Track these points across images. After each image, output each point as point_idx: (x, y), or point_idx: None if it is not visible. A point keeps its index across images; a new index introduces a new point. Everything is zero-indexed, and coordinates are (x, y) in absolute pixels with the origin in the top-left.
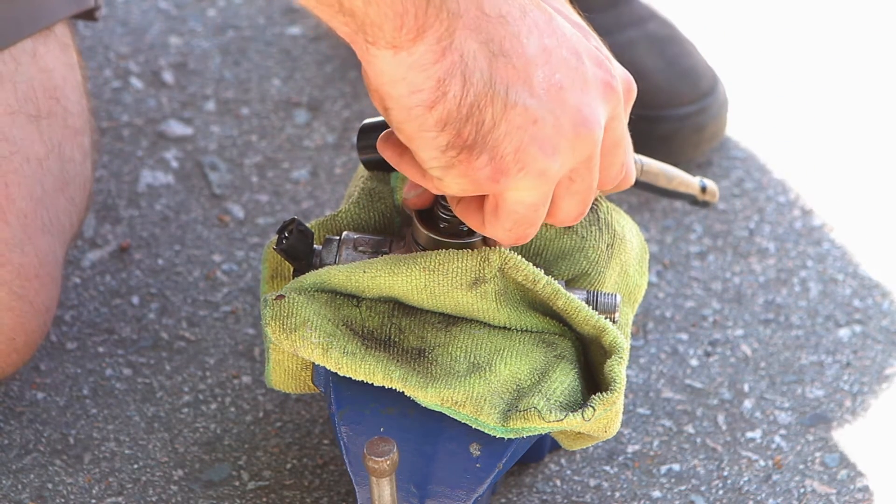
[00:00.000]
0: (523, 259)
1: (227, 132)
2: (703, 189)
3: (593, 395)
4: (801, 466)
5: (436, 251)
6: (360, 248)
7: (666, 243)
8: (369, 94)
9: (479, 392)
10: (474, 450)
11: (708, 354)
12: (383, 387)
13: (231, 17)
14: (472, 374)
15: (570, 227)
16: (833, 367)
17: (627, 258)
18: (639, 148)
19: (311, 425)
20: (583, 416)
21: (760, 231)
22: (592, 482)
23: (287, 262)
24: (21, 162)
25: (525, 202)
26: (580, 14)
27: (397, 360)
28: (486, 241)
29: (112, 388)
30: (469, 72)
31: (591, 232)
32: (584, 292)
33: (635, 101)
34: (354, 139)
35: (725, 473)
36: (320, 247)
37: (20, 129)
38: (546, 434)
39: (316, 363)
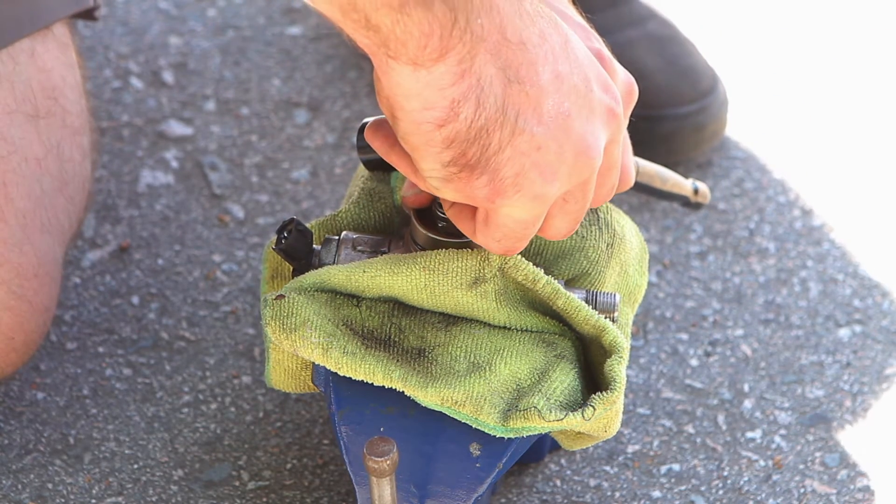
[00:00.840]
0: (523, 259)
1: (227, 132)
2: (696, 191)
3: (593, 395)
4: (801, 466)
5: (436, 251)
6: (359, 248)
7: (666, 243)
8: (378, 100)
9: (479, 392)
10: (474, 450)
11: (708, 354)
12: (383, 387)
13: (231, 17)
14: (472, 374)
15: None
16: (833, 367)
17: (627, 258)
18: (639, 147)
19: (311, 425)
20: (583, 416)
21: (760, 231)
22: (592, 482)
23: (287, 262)
24: (19, 161)
25: (516, 218)
26: (582, 15)
27: (397, 360)
28: None
29: (112, 388)
30: (484, 96)
31: (591, 231)
32: (584, 292)
33: (636, 103)
34: (354, 139)
35: (725, 473)
36: (319, 247)
37: (18, 129)
38: (546, 434)
39: (316, 363)
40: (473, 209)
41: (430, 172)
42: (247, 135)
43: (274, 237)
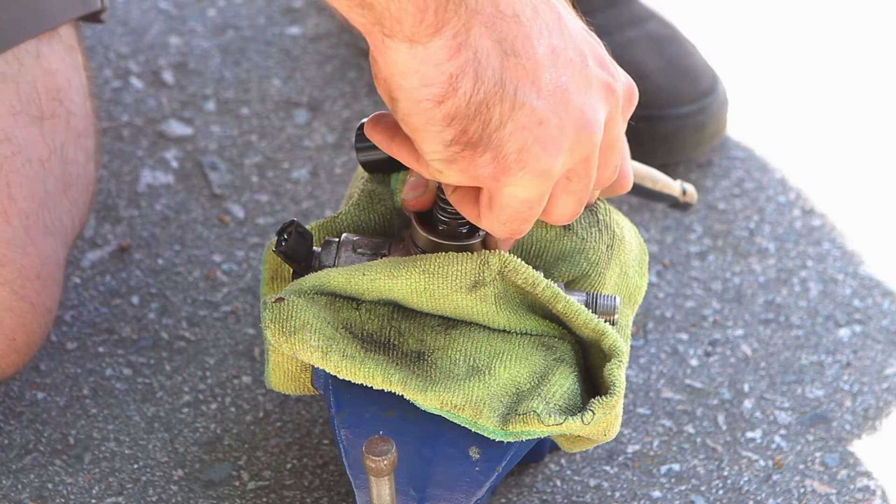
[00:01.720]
0: (523, 262)
1: (227, 132)
2: (684, 192)
3: (593, 399)
4: (801, 466)
5: (435, 254)
6: (359, 251)
7: (666, 243)
8: (376, 84)
9: (479, 395)
10: (473, 453)
11: (708, 354)
12: (383, 390)
13: (231, 17)
14: (472, 378)
15: (569, 229)
16: (833, 367)
17: (627, 259)
18: (639, 148)
19: (311, 425)
20: (582, 420)
21: (760, 231)
22: (592, 482)
23: (287, 264)
24: (23, 163)
25: (521, 198)
26: (581, 18)
27: (396, 364)
28: (486, 244)
29: (112, 388)
30: (481, 69)
31: (591, 233)
32: (584, 294)
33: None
34: (353, 140)
35: (725, 473)
36: (319, 249)
37: (23, 130)
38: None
39: (315, 366)
40: (477, 193)
41: (432, 155)
42: (247, 135)
43: (274, 239)
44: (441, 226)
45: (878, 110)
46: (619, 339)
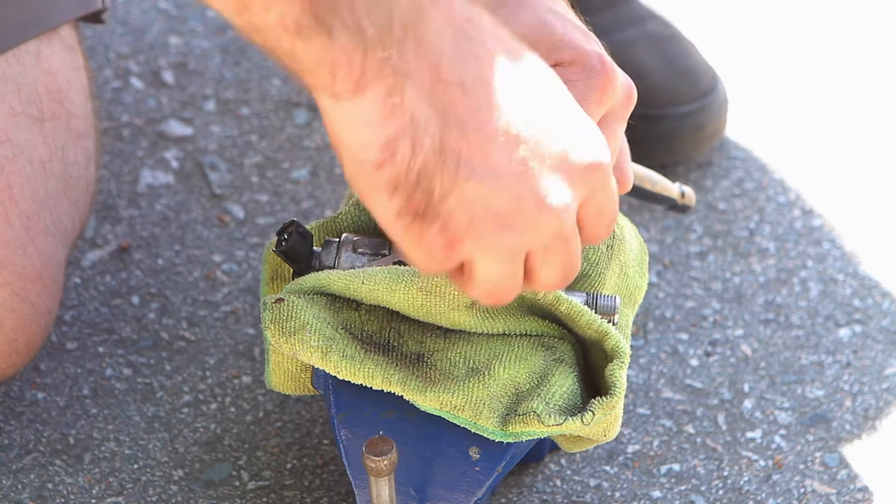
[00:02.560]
0: None
1: (227, 132)
2: (682, 194)
3: (593, 400)
4: (801, 466)
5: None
6: (360, 251)
7: (666, 243)
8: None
9: (478, 396)
10: (473, 453)
11: (708, 354)
12: (382, 390)
13: None
14: (471, 379)
15: None
16: (833, 367)
17: (627, 259)
18: (638, 148)
19: (311, 425)
20: (582, 421)
21: (760, 231)
22: (592, 482)
23: (287, 264)
24: (24, 163)
25: (492, 278)
26: (581, 18)
27: (396, 365)
28: None
29: (112, 388)
30: (419, 136)
31: None
32: (584, 295)
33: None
34: None
35: (725, 473)
36: (320, 249)
37: (23, 131)
38: None
39: (315, 366)
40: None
41: (387, 227)
42: (247, 135)
43: (274, 239)
44: None
45: (877, 110)
46: (621, 339)
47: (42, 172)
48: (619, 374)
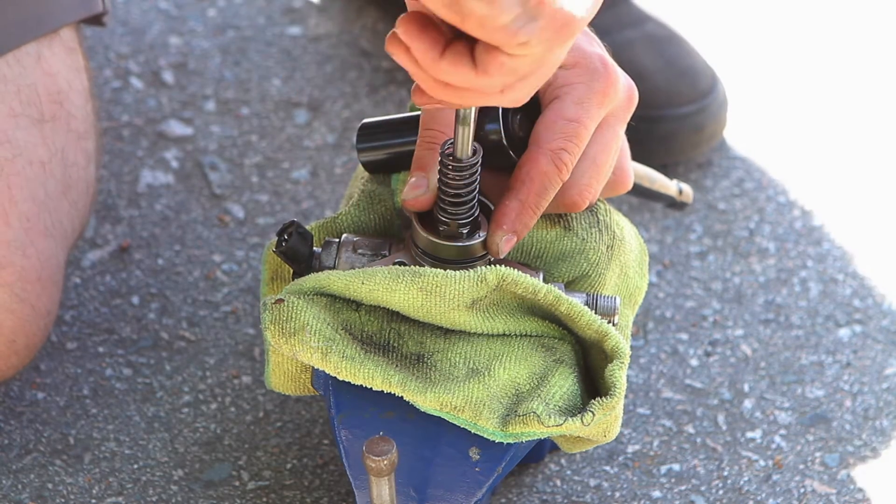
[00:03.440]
0: (520, 272)
1: (227, 132)
2: (680, 191)
3: (593, 400)
4: (801, 466)
5: (433, 271)
6: (360, 251)
7: (666, 243)
8: None
9: (478, 397)
10: (473, 454)
11: (708, 354)
12: (382, 391)
13: (231, 17)
14: (471, 379)
15: (570, 229)
16: (833, 367)
17: (627, 260)
18: (638, 148)
19: (311, 425)
20: (582, 421)
21: (760, 231)
22: (592, 482)
23: (287, 265)
24: (24, 165)
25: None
26: None
27: (396, 365)
28: (486, 245)
29: (112, 388)
30: None
31: (591, 234)
32: (584, 295)
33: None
34: (354, 139)
35: (725, 473)
36: (320, 249)
37: (23, 133)
38: None
39: (315, 367)
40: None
41: None
42: (247, 135)
43: (274, 239)
44: (441, 227)
45: (877, 110)
46: (621, 340)
47: (42, 174)
48: (619, 374)
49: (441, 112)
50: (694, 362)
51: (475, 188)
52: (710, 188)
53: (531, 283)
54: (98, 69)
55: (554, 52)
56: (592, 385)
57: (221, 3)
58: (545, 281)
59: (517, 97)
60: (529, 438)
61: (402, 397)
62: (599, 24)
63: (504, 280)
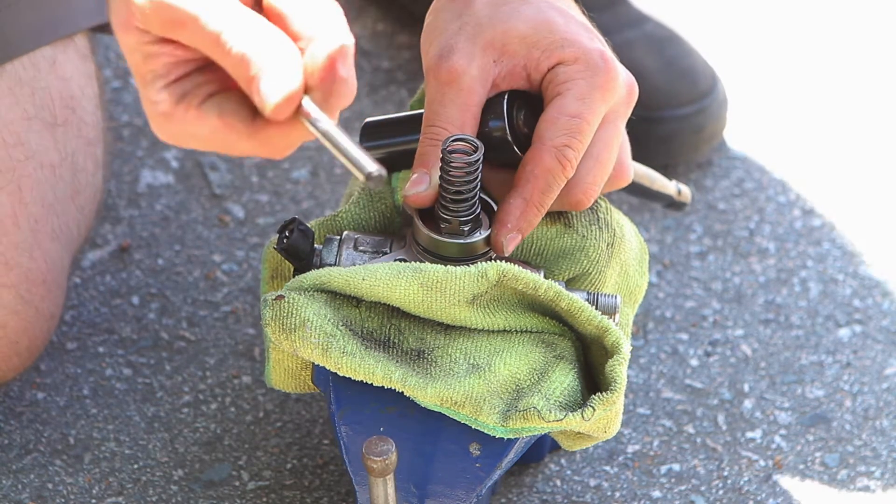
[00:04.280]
0: (521, 268)
1: None
2: (679, 192)
3: (593, 395)
4: (801, 466)
5: (434, 267)
6: (361, 248)
7: (666, 243)
8: None
9: (479, 392)
10: (474, 450)
11: (708, 354)
12: (383, 387)
13: None
14: (472, 375)
15: (570, 226)
16: (833, 367)
17: (627, 258)
18: (637, 149)
19: (311, 425)
20: (582, 416)
21: (760, 231)
22: (592, 482)
23: (287, 262)
24: (35, 167)
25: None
26: (585, 13)
27: (397, 361)
28: (491, 243)
29: (112, 388)
30: None
31: (592, 231)
32: (585, 293)
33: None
34: (357, 138)
35: (725, 473)
36: (321, 246)
37: (36, 136)
38: (546, 434)
39: (316, 363)
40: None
41: None
42: None
43: (274, 237)
44: (443, 224)
45: (877, 110)
46: (621, 335)
47: (52, 177)
48: (620, 370)
49: (445, 109)
50: (694, 362)
51: (477, 185)
52: (710, 188)
53: (532, 279)
54: (98, 69)
55: None
56: (593, 381)
57: None
58: (545, 278)
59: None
60: (530, 434)
61: (402, 393)
62: (599, 25)
63: (505, 276)
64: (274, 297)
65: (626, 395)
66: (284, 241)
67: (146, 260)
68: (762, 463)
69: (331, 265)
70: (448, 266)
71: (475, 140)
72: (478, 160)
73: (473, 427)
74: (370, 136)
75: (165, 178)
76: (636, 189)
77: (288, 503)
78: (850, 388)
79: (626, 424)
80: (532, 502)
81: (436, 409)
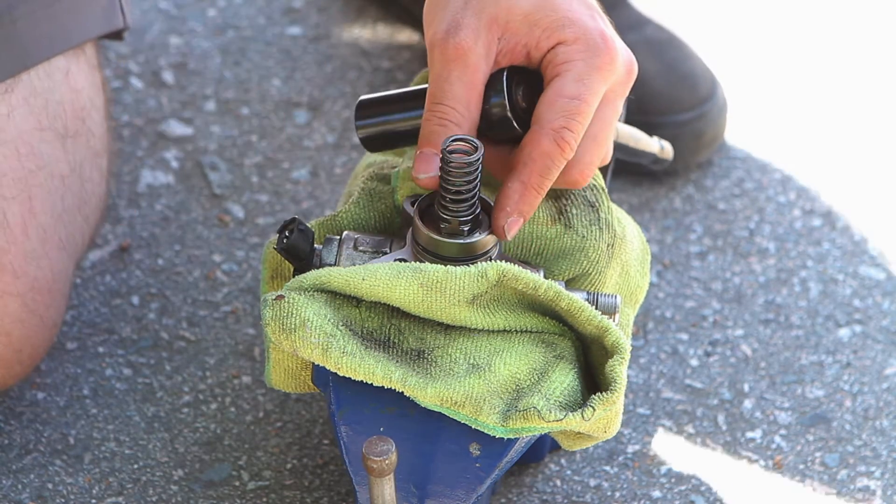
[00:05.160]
0: (521, 268)
1: (227, 132)
2: (661, 148)
3: (593, 395)
4: (801, 466)
5: (434, 267)
6: (361, 248)
7: (666, 243)
8: None
9: (479, 392)
10: (474, 450)
11: (708, 354)
12: (383, 387)
13: (231, 17)
14: (472, 375)
15: (570, 227)
16: (833, 367)
17: (628, 258)
18: None
19: (311, 425)
20: (582, 416)
21: (760, 231)
22: (592, 482)
23: (287, 262)
24: (46, 177)
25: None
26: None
27: (397, 361)
28: (493, 227)
29: (112, 388)
30: None
31: (592, 231)
32: (585, 293)
33: (634, 107)
34: (354, 121)
35: (725, 474)
36: (321, 246)
37: (48, 146)
38: (546, 434)
39: (316, 363)
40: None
41: None
42: (247, 135)
43: (274, 237)
44: (443, 224)
45: (877, 110)
46: (621, 335)
47: (61, 187)
48: (620, 369)
49: (452, 87)
50: (694, 362)
51: (477, 186)
52: (710, 188)
53: (532, 279)
54: (104, 79)
55: None
56: (593, 381)
57: (221, 3)
58: (545, 278)
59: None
60: (530, 434)
61: (402, 393)
62: None
63: (505, 276)
64: (274, 297)
65: (626, 395)
66: (284, 241)
67: (146, 260)
68: (762, 463)
69: (331, 265)
70: (448, 266)
71: (475, 140)
72: (478, 160)
73: (473, 427)
74: (365, 113)
75: (165, 178)
76: (620, 148)
77: (288, 503)
78: (850, 388)
79: (626, 424)
80: (532, 502)
81: (436, 409)
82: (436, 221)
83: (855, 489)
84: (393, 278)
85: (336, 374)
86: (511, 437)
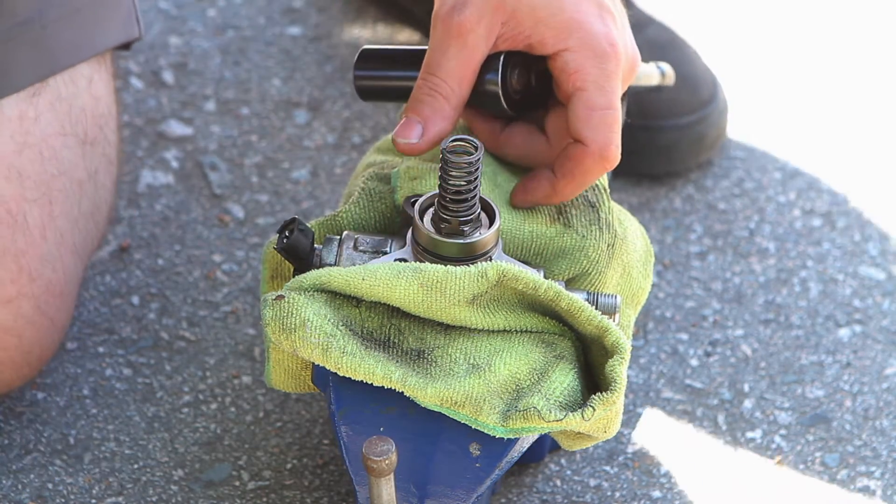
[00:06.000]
0: (520, 269)
1: (227, 132)
2: (663, 74)
3: (593, 395)
4: (801, 466)
5: (434, 267)
6: (361, 248)
7: (666, 243)
8: None
9: (479, 392)
10: (474, 450)
11: (708, 354)
12: (383, 387)
13: (231, 17)
14: (472, 375)
15: (570, 226)
16: (833, 367)
17: (630, 259)
18: (639, 158)
19: (311, 425)
20: (582, 416)
21: (760, 231)
22: (592, 482)
23: (287, 262)
24: (65, 183)
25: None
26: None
27: (397, 361)
28: (488, 241)
29: (112, 388)
30: None
31: (592, 231)
32: (585, 293)
33: (634, 111)
34: (353, 71)
35: (726, 474)
36: (321, 246)
37: (69, 151)
38: (546, 434)
39: (316, 363)
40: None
41: None
42: (247, 135)
43: (274, 237)
44: (443, 224)
45: (877, 110)
46: (621, 335)
47: (79, 192)
48: (620, 369)
49: (448, 62)
50: (694, 362)
51: (477, 186)
52: (710, 188)
53: (532, 279)
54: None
55: None
56: (593, 382)
57: (221, 3)
58: (546, 278)
59: None
60: (530, 434)
61: (402, 393)
62: None
63: (505, 276)
64: (274, 297)
65: (626, 395)
66: (284, 241)
67: (146, 260)
68: (762, 463)
69: (331, 265)
70: (448, 266)
71: (475, 140)
72: (478, 160)
73: (473, 427)
74: (366, 65)
75: (165, 178)
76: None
77: (288, 503)
78: (850, 388)
79: (626, 424)
80: (532, 502)
81: (436, 409)
82: (436, 221)
83: (855, 489)
84: (393, 278)
85: (336, 374)
86: (511, 437)
